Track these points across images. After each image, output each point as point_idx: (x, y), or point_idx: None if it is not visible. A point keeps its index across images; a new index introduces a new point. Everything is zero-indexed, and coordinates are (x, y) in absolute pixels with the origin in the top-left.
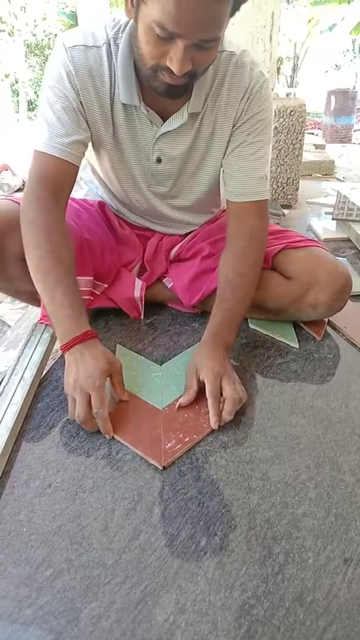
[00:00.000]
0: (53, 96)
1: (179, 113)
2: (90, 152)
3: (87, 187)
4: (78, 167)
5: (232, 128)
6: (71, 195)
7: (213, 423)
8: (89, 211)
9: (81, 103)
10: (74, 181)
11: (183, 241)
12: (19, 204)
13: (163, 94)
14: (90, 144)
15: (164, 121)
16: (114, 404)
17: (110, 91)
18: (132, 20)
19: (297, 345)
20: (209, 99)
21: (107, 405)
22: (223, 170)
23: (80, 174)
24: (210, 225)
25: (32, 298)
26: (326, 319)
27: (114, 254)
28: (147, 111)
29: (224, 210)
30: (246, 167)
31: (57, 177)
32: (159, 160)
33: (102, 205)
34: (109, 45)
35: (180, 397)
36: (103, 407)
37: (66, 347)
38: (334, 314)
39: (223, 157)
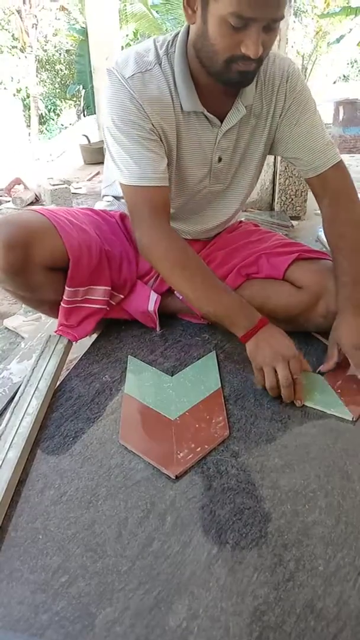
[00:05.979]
0: (127, 128)
1: (234, 109)
2: None
3: (116, 203)
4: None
5: (281, 113)
6: (91, 206)
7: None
8: (109, 222)
9: (153, 126)
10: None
11: (203, 250)
12: (42, 214)
13: (237, 83)
14: None
15: (221, 121)
16: (124, 409)
17: (172, 106)
18: (192, 26)
19: (350, 417)
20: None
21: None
22: (287, 156)
23: (104, 190)
24: (227, 235)
25: (53, 308)
26: None
27: (132, 266)
28: (208, 115)
29: (240, 222)
30: (309, 142)
31: (160, 202)
32: (219, 160)
33: (122, 216)
34: (160, 64)
35: (192, 407)
36: (299, 373)
37: (250, 334)
38: None
39: (273, 137)
